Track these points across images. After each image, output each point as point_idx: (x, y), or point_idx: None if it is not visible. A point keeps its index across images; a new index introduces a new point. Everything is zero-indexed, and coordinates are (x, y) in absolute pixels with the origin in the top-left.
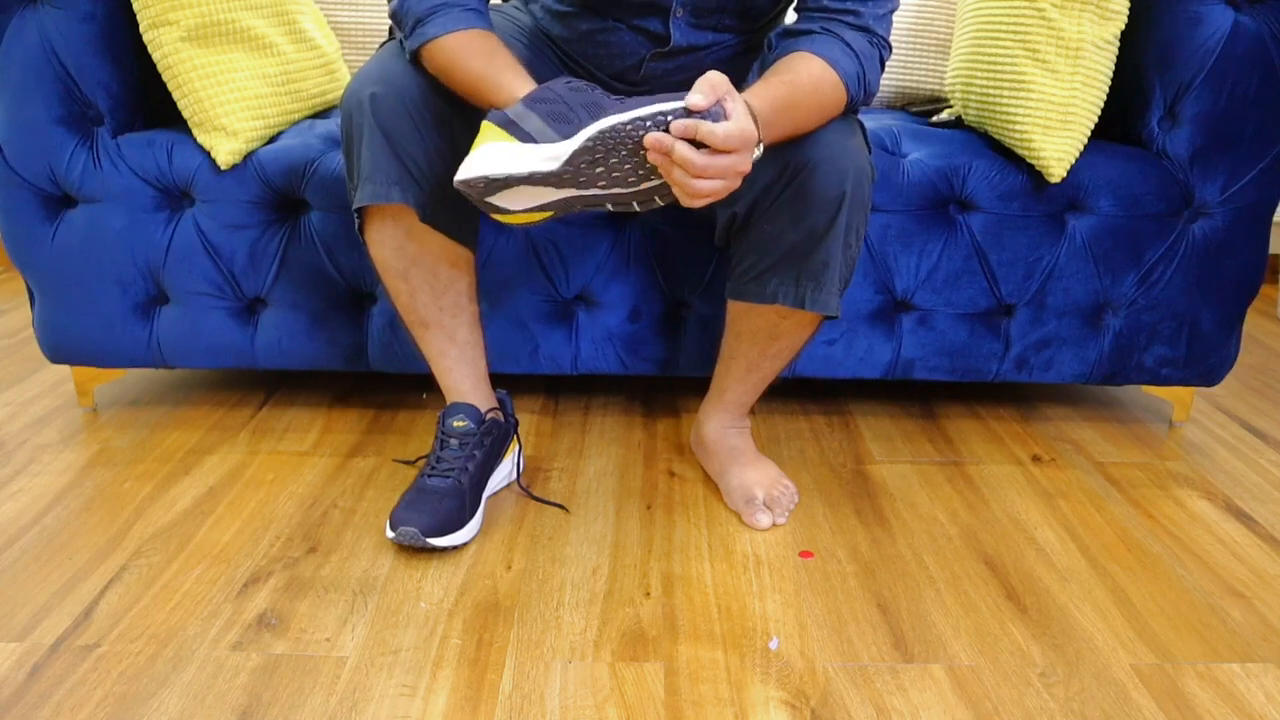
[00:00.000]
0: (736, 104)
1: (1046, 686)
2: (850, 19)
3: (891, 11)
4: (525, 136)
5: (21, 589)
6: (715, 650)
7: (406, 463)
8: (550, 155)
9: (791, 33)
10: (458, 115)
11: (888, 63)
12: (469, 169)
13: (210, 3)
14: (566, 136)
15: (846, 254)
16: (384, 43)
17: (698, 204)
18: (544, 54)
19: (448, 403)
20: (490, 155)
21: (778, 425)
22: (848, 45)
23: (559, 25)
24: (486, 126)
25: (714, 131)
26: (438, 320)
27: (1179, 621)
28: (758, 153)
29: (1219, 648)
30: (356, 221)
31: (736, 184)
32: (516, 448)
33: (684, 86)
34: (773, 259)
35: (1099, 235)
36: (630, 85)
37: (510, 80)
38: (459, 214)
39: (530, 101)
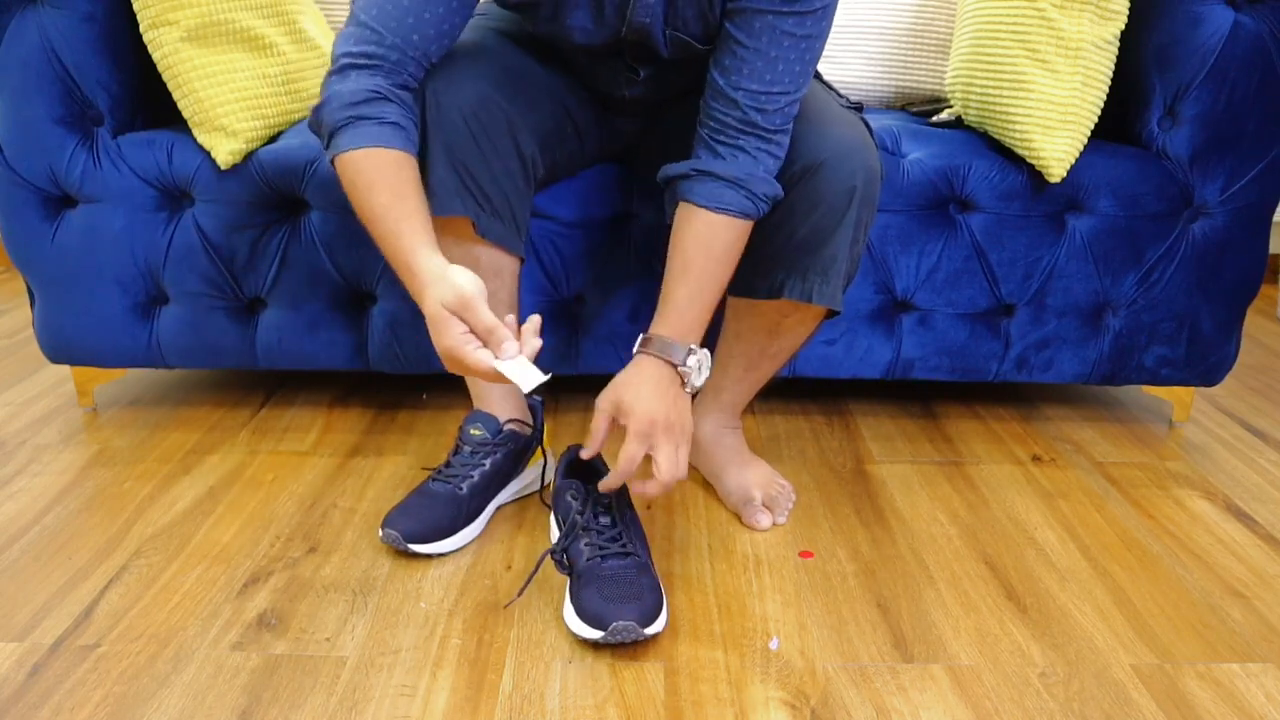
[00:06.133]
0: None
1: (1046, 686)
2: (742, 124)
3: (788, 104)
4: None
5: (21, 589)
6: (715, 650)
7: (430, 469)
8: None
9: (673, 177)
10: (516, 125)
11: (891, 59)
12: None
13: (210, 3)
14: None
15: (853, 250)
16: None
17: (681, 465)
18: (549, 67)
19: (473, 408)
20: None
21: (778, 425)
22: (730, 181)
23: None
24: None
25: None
26: None
27: (1179, 621)
28: (699, 359)
29: (1219, 648)
30: None
31: (672, 446)
32: (542, 459)
33: (666, 102)
34: (780, 254)
35: (1099, 235)
36: (622, 113)
37: (410, 237)
38: (511, 224)
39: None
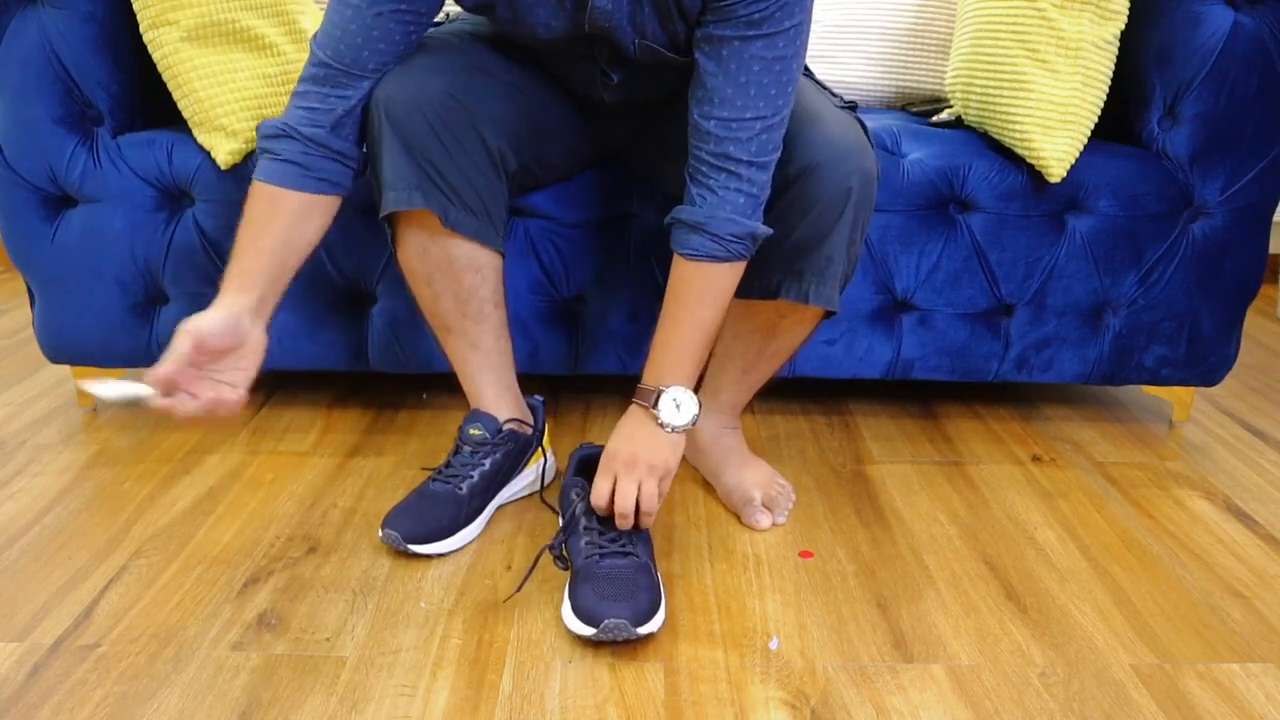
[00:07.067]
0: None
1: (1046, 686)
2: (714, 158)
3: (764, 130)
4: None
5: (21, 589)
6: (715, 650)
7: (430, 470)
8: None
9: (670, 225)
10: (479, 119)
11: (891, 59)
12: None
13: (210, 3)
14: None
15: (850, 250)
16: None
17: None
18: (524, 67)
19: (471, 408)
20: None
21: (777, 425)
22: (691, 225)
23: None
24: None
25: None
26: (460, 327)
27: (1179, 621)
28: (674, 398)
29: (1219, 648)
30: (389, 231)
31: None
32: (543, 459)
33: (652, 104)
34: (777, 255)
35: (1099, 235)
36: (606, 117)
37: (238, 278)
38: (485, 218)
39: None
